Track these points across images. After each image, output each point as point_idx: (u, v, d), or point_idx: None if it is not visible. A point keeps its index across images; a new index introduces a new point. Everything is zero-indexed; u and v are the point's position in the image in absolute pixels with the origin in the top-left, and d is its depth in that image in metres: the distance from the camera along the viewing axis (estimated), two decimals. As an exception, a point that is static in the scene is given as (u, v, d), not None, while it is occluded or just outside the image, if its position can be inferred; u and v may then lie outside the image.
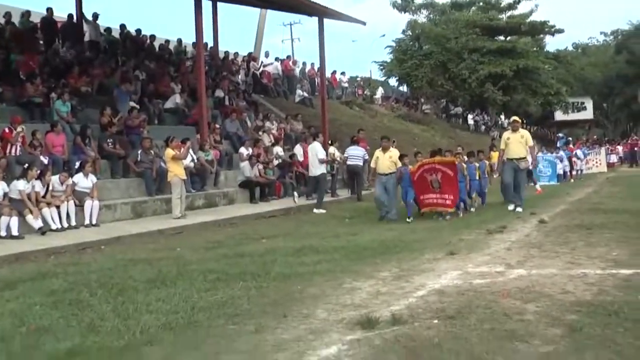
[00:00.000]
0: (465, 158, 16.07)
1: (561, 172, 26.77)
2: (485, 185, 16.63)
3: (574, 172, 28.60)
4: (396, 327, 5.43)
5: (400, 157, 14.91)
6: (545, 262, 8.29)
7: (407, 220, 13.80)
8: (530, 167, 17.26)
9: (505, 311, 5.84)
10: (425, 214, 14.36)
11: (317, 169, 17.20)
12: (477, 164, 15.98)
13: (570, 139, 40.82)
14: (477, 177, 15.77)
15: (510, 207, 14.67)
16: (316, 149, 17.21)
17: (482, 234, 11.13)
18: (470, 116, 47.85)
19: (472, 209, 15.43)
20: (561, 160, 27.06)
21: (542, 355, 4.68)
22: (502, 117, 53.75)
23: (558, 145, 31.86)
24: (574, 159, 29.22)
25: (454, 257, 8.85)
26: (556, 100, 49.70)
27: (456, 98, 47.59)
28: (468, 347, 4.87)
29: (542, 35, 54.01)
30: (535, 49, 49.67)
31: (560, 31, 51.17)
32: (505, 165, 15.02)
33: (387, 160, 14.56)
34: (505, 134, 15.40)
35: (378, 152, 14.95)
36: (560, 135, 41.47)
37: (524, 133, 15.22)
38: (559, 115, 59.13)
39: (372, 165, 15.13)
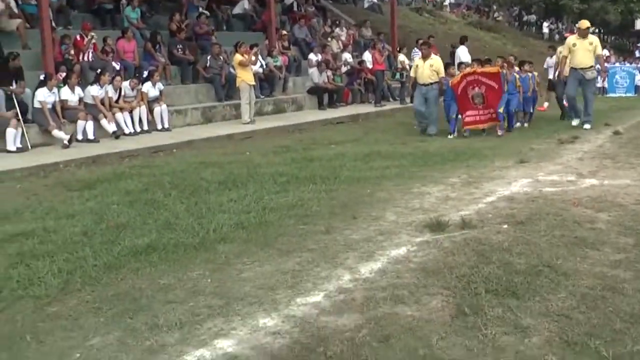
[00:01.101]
0: (516, 69, 14.22)
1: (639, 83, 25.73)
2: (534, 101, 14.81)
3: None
4: (465, 230, 5.47)
5: (445, 67, 13.81)
6: (619, 173, 8.13)
7: (449, 136, 12.45)
8: (600, 79, 15.21)
9: (576, 219, 5.80)
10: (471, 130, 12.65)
11: None
12: (530, 75, 14.25)
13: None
14: (530, 91, 14.18)
15: (575, 122, 13.26)
16: (459, 55, 17.05)
17: (554, 143, 10.93)
18: (545, 24, 46.06)
19: (525, 124, 14.09)
20: (641, 72, 25.97)
21: (612, 263, 4.65)
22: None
23: (637, 55, 30.53)
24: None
25: (524, 166, 8.76)
26: (638, 8, 47.12)
27: (530, 5, 45.61)
28: (537, 251, 4.88)
29: None
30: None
31: None
32: (570, 75, 13.20)
33: (427, 69, 13.16)
34: (571, 39, 13.35)
35: (418, 60, 13.66)
36: (640, 44, 39.65)
37: (593, 40, 13.18)
38: (640, 24, 56.26)
39: (412, 74, 13.87)
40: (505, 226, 5.61)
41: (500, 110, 12.46)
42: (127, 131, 12.81)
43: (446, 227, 5.53)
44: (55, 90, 12.05)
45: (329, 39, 20.80)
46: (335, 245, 5.21)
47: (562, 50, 13.71)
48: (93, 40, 14.17)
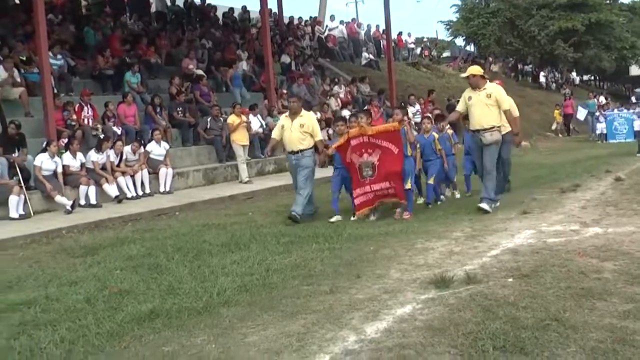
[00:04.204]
0: (426, 126, 10.82)
1: (638, 129, 25.83)
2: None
3: (651, 128, 27.60)
4: (471, 286, 5.40)
5: (339, 120, 10.83)
6: (623, 220, 8.07)
7: (331, 219, 9.57)
8: (516, 143, 10.50)
9: (581, 269, 5.74)
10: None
11: None
12: (450, 132, 11.11)
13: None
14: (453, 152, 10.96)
15: (484, 204, 9.27)
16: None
17: (555, 192, 10.88)
18: (542, 74, 46.56)
19: (456, 193, 11.43)
20: (639, 117, 26.11)
21: (621, 313, 4.58)
22: (574, 74, 52.18)
23: (633, 100, 30.74)
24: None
25: (527, 217, 8.71)
26: (631, 55, 47.73)
27: (525, 56, 46.26)
28: (544, 305, 4.81)
29: (616, -14, 51.73)
30: (608, 1, 47.59)
31: (637, -20, 49.03)
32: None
33: (296, 130, 9.96)
34: (466, 93, 9.72)
35: (284, 119, 10.43)
36: (638, 90, 39.94)
37: (493, 90, 9.46)
38: (635, 70, 56.86)
39: (275, 136, 10.50)
40: (511, 280, 5.55)
41: (408, 186, 9.38)
42: (129, 195, 12.85)
43: (451, 283, 5.48)
44: (56, 156, 12.12)
45: (328, 96, 21.01)
46: (340, 306, 5.15)
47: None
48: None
